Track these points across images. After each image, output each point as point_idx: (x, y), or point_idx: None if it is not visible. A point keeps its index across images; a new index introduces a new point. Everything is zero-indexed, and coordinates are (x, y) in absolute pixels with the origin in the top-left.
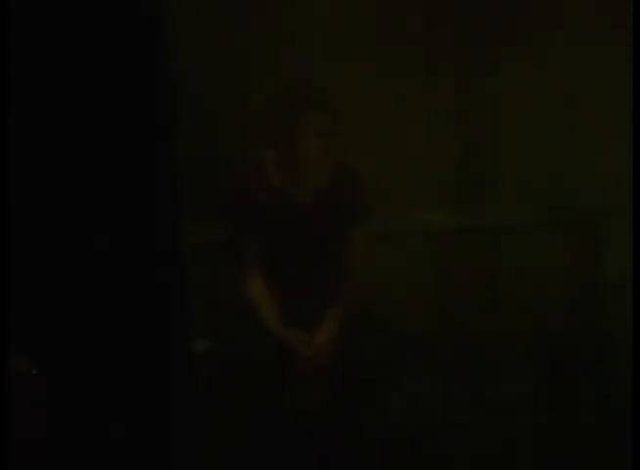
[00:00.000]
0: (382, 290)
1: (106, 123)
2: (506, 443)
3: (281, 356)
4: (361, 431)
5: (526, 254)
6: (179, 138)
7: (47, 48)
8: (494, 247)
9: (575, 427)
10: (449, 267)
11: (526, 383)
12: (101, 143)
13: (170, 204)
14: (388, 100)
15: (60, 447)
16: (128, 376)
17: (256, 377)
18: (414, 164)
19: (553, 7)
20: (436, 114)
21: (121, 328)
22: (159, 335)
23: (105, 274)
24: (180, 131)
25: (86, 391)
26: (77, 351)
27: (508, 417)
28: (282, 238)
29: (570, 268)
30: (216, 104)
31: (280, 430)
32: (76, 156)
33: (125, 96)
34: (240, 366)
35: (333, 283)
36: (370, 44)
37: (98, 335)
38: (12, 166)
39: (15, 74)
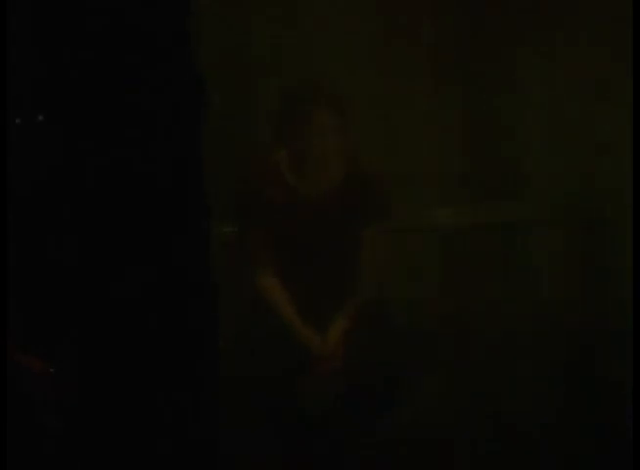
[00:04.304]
0: (393, 288)
1: (134, 125)
2: (511, 442)
3: (295, 356)
4: (373, 431)
5: (534, 252)
6: (207, 138)
7: (75, 48)
8: (504, 245)
9: (579, 426)
10: (458, 265)
11: (533, 381)
12: (129, 144)
13: (199, 204)
14: (400, 100)
15: (78, 446)
16: (157, 375)
17: (271, 377)
18: (424, 163)
19: (569, 8)
20: (447, 114)
21: (151, 328)
22: (188, 335)
23: (134, 276)
24: (207, 131)
25: (111, 389)
26: (106, 351)
27: (515, 416)
28: (296, 237)
29: (578, 267)
30: (230, 104)
31: (293, 430)
32: (105, 156)
33: (153, 97)
34: (254, 366)
35: (347, 282)
36: (383, 44)
37: (127, 335)
38: (42, 168)
39: (44, 75)
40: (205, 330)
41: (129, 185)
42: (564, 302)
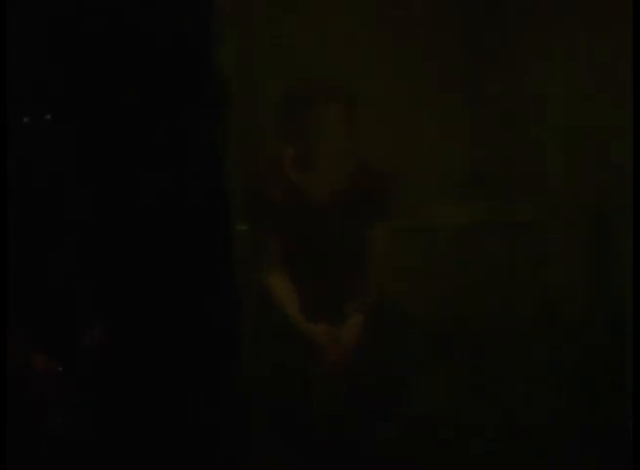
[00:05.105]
0: (397, 287)
1: (157, 126)
2: (519, 442)
3: (307, 355)
4: (378, 430)
5: (541, 251)
6: (229, 138)
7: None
8: (509, 244)
9: (588, 426)
10: (463, 264)
11: (542, 381)
12: (153, 147)
13: (222, 204)
14: (403, 98)
15: (86, 444)
16: (177, 376)
17: (276, 377)
18: (428, 161)
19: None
20: (451, 112)
21: (174, 325)
22: (211, 333)
23: (157, 277)
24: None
25: (128, 390)
26: (130, 351)
27: (523, 416)
28: (299, 237)
29: (585, 266)
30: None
31: (304, 429)
32: (128, 157)
33: (176, 97)
34: (258, 367)
35: (353, 281)
36: (386, 43)
37: (149, 335)
38: (81, 168)
39: (61, 75)
40: (227, 330)
41: (151, 187)
42: (568, 301)
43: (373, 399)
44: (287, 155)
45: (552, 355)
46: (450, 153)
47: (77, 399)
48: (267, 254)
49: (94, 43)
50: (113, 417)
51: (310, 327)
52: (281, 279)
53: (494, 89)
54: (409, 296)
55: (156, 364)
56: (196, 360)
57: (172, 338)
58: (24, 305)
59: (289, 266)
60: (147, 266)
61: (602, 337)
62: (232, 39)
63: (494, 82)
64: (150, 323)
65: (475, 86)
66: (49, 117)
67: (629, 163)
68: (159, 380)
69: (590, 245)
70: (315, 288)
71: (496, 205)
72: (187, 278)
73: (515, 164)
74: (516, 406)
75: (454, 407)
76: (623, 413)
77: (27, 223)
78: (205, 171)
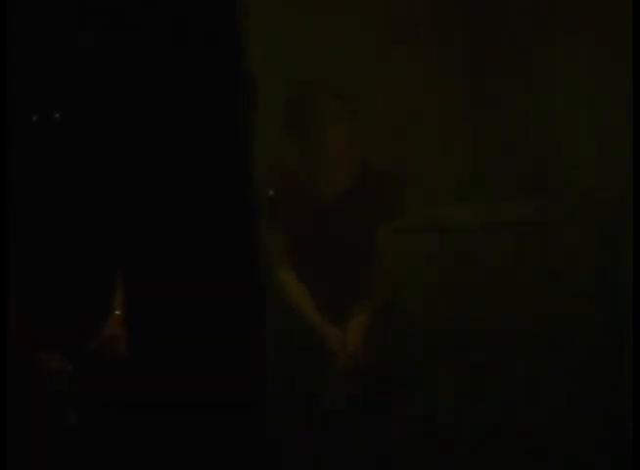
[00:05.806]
0: (400, 288)
1: (189, 127)
2: (519, 442)
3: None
4: (378, 430)
5: (542, 250)
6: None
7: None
8: (510, 244)
9: (596, 427)
10: (467, 265)
11: (543, 381)
12: (185, 146)
13: (249, 204)
14: (406, 98)
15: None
16: (203, 378)
17: (291, 376)
18: (429, 161)
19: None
20: (455, 111)
21: (201, 328)
22: (238, 334)
23: (183, 279)
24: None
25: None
26: (157, 350)
27: (523, 416)
28: (305, 237)
29: (586, 266)
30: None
31: (310, 430)
32: (158, 156)
33: (203, 97)
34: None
35: (362, 281)
36: (386, 43)
37: (174, 336)
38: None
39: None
40: (253, 330)
41: (177, 187)
42: (569, 301)
43: (373, 399)
44: (293, 155)
45: (552, 355)
46: (452, 153)
47: (90, 398)
48: (277, 252)
49: (116, 42)
50: (125, 414)
51: (326, 331)
52: (292, 277)
53: (496, 89)
54: (409, 296)
55: (179, 365)
56: (219, 362)
57: (195, 340)
58: (33, 305)
59: (300, 266)
60: (171, 267)
61: (602, 337)
62: None
63: (495, 83)
64: (171, 321)
65: (475, 86)
66: (57, 115)
67: (629, 162)
68: (179, 382)
69: (592, 245)
70: (320, 288)
71: (498, 205)
72: (214, 280)
73: (516, 163)
74: (516, 406)
75: (454, 407)
76: (623, 413)
77: (41, 221)
78: (234, 171)
